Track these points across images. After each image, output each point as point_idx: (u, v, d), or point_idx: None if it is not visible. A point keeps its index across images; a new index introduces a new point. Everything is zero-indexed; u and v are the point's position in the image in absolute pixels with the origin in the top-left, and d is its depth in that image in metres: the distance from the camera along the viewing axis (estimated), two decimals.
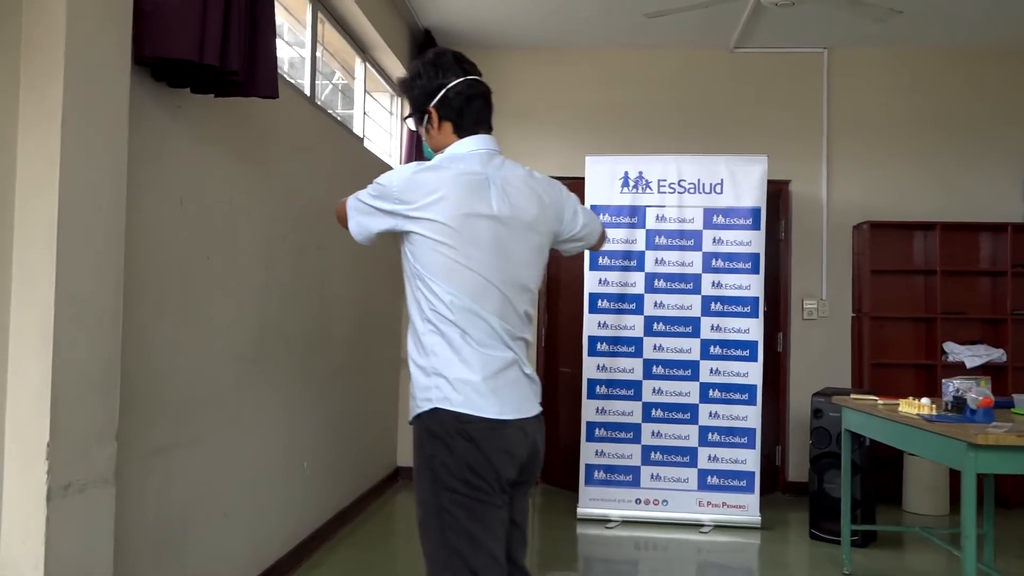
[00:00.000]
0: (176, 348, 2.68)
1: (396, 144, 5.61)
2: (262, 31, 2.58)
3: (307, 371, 3.89)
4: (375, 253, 4.98)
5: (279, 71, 3.18)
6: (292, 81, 3.75)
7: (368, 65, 5.01)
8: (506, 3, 4.96)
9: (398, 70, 5.26)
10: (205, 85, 2.51)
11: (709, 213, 4.71)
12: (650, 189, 4.75)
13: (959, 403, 3.22)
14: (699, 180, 4.72)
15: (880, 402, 3.59)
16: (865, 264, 5.41)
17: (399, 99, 5.69)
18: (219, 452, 3.00)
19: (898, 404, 3.43)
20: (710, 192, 4.71)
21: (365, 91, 4.99)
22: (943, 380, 3.83)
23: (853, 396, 3.88)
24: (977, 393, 3.01)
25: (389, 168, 5.40)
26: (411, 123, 2.14)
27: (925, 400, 3.45)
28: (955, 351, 5.36)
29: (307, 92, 3.95)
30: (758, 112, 5.65)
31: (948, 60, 5.57)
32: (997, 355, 5.30)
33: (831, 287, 5.61)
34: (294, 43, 4.15)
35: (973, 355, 5.31)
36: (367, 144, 4.90)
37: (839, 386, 5.39)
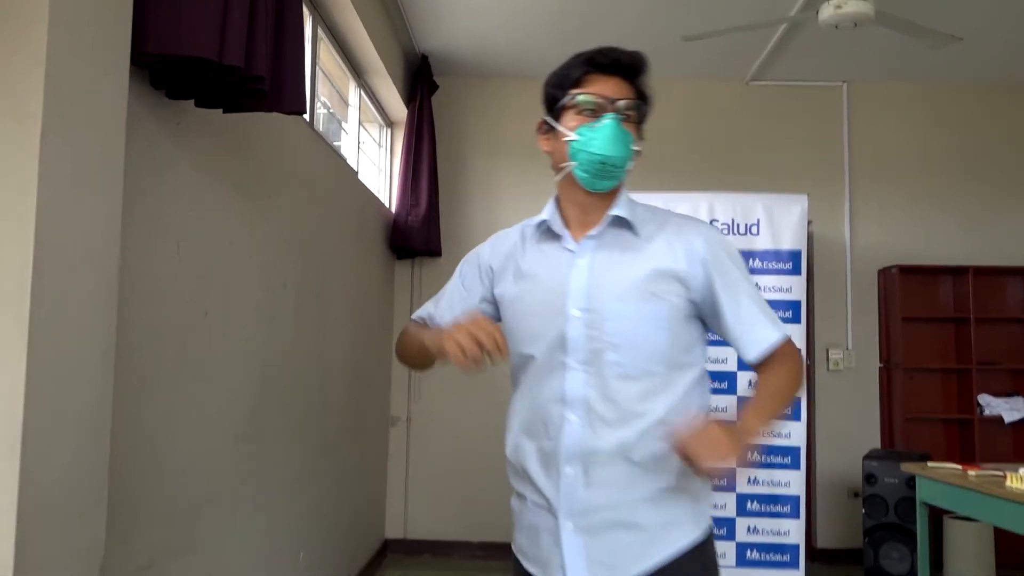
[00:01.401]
0: (169, 433, 2.09)
1: (385, 180, 5.08)
2: (289, 33, 2.05)
3: (306, 443, 3.29)
4: (367, 298, 4.42)
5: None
6: None
7: (363, 92, 4.49)
8: (511, 29, 4.52)
9: (392, 98, 4.75)
10: (216, 96, 1.96)
11: (745, 256, 4.26)
12: None
13: None
14: (733, 220, 4.29)
15: (973, 473, 3.16)
16: (895, 311, 5.05)
17: (388, 130, 5.17)
18: (212, 558, 2.39)
19: (1001, 476, 3.01)
20: (745, 233, 4.28)
21: (360, 120, 4.47)
22: None
23: (931, 464, 3.44)
24: None
25: (383, 206, 4.92)
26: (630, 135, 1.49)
27: None
28: (991, 404, 5.00)
29: (306, 117, 3.41)
30: (776, 148, 5.28)
31: (974, 96, 5.30)
32: None
33: (856, 336, 5.23)
34: None
35: (1011, 408, 4.97)
36: (361, 178, 4.36)
37: (871, 444, 4.98)
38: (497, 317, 1.61)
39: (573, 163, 1.47)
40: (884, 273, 5.20)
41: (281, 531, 3.00)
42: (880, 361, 5.20)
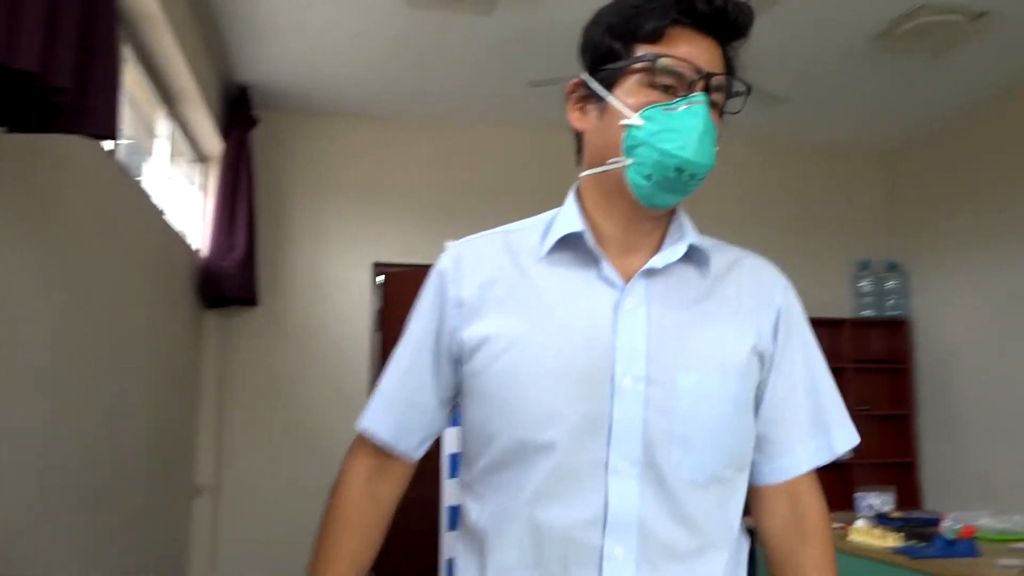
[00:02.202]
0: None
1: (196, 221, 4.57)
2: (101, 40, 1.67)
3: (96, 528, 2.76)
4: (171, 353, 3.90)
5: None
6: None
7: (173, 122, 4.01)
8: (341, 63, 4.23)
9: (207, 131, 4.29)
10: (1, 111, 1.55)
11: None
12: None
13: (916, 529, 2.88)
14: None
15: None
16: None
17: (201, 166, 4.68)
18: None
19: (840, 528, 3.05)
20: None
21: (169, 153, 3.98)
22: (855, 494, 3.57)
23: None
24: (955, 521, 2.67)
25: (193, 249, 4.38)
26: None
27: (862, 523, 3.11)
28: None
29: (108, 146, 2.94)
30: None
31: (781, 156, 5.60)
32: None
33: None
34: None
35: None
36: (168, 218, 3.86)
37: None
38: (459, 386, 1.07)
39: (628, 161, 0.97)
40: None
41: None
42: None
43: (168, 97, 3.86)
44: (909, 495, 5.16)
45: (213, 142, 4.44)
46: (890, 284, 5.42)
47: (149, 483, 3.51)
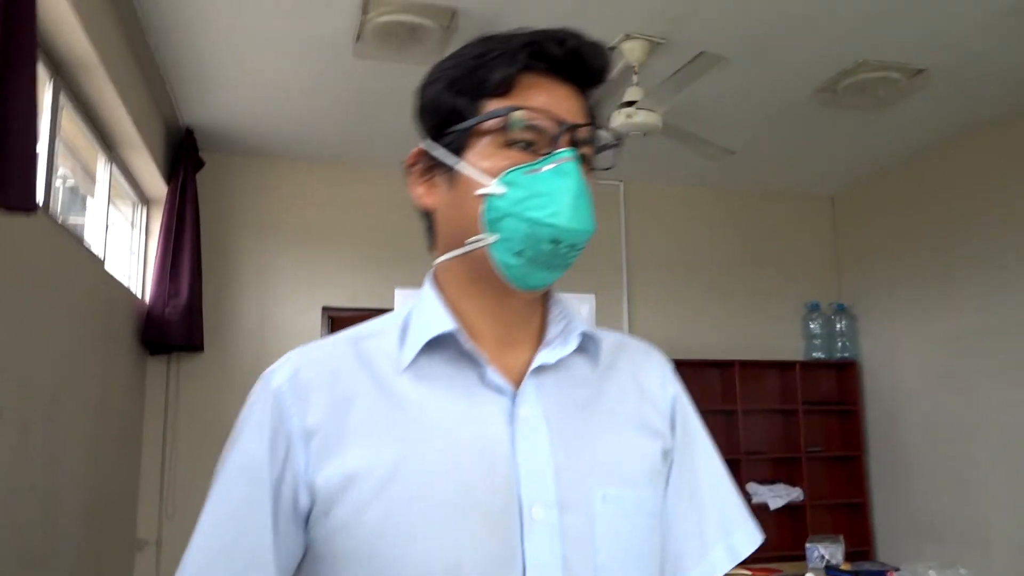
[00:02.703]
0: None
1: (139, 267, 4.46)
2: (16, 105, 1.61)
3: None
4: (112, 405, 3.78)
5: None
6: None
7: (115, 167, 3.92)
8: (290, 109, 4.18)
9: (150, 174, 4.21)
10: None
11: None
12: None
13: None
14: None
15: None
16: None
17: (144, 209, 4.58)
18: None
19: None
20: None
21: (109, 199, 3.88)
22: (807, 545, 3.55)
23: None
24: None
25: (135, 296, 4.28)
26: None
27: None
28: (758, 492, 5.23)
29: (39, 199, 2.85)
30: None
31: (731, 201, 5.68)
32: (796, 494, 5.25)
33: None
34: None
35: (775, 495, 5.22)
36: (108, 267, 3.76)
37: None
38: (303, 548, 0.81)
39: (492, 237, 0.81)
40: None
41: None
42: None
43: (108, 141, 3.78)
44: (861, 536, 5.18)
45: (157, 185, 4.35)
46: (839, 326, 5.49)
47: (87, 540, 3.37)
